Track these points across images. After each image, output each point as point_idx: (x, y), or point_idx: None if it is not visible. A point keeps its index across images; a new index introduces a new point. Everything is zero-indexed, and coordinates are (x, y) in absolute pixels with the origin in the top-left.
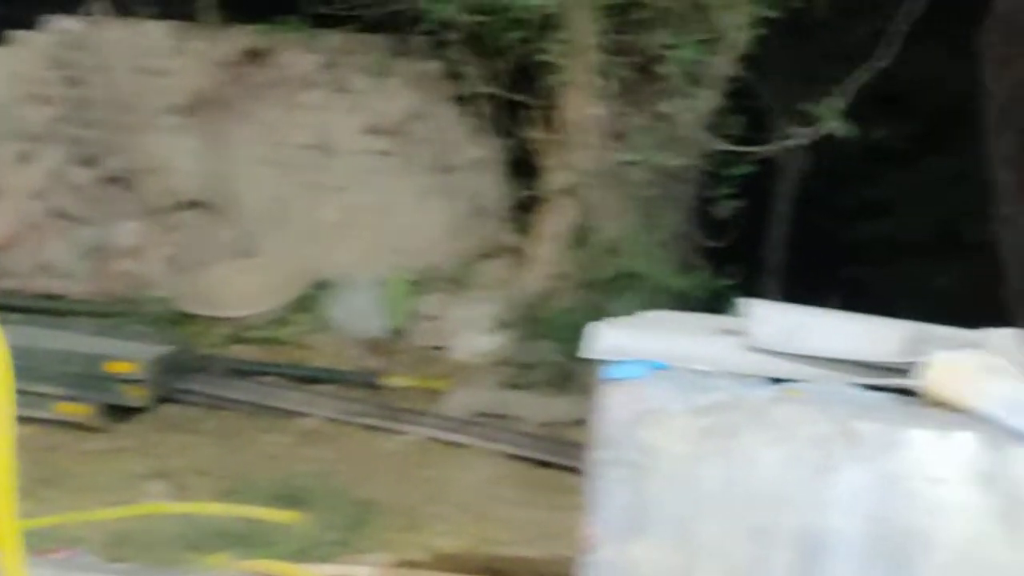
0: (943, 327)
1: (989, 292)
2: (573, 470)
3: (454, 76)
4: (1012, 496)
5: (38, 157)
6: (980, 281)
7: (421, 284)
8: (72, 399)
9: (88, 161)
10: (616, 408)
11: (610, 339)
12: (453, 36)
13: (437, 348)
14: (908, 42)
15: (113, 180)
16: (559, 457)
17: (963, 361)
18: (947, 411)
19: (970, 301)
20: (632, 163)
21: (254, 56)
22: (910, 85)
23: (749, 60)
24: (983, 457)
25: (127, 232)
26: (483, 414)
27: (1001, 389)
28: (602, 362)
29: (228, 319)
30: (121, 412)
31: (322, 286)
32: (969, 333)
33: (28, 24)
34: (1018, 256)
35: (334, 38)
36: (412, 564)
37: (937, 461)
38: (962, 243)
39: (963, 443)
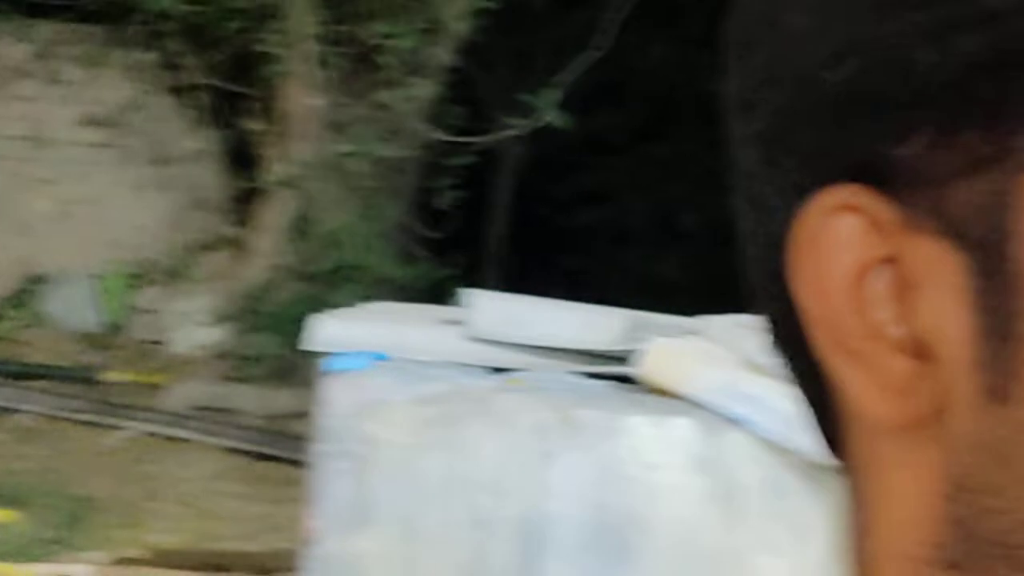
0: (662, 315)
1: (709, 279)
2: (296, 463)
3: (171, 67)
4: (727, 480)
5: None
6: (700, 268)
7: (139, 277)
8: None
9: None
10: (338, 400)
11: (331, 331)
12: (170, 26)
13: (156, 342)
14: (625, 31)
15: None
16: (281, 450)
17: (680, 348)
18: (665, 398)
19: (690, 289)
20: (352, 154)
21: None
22: (628, 74)
23: (468, 50)
24: (699, 442)
25: None
26: (203, 408)
27: (717, 375)
28: (324, 354)
29: None
30: None
31: (36, 280)
32: (688, 321)
33: None
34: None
35: (47, 28)
36: (131, 561)
37: (654, 447)
38: (681, 231)
39: (679, 429)
